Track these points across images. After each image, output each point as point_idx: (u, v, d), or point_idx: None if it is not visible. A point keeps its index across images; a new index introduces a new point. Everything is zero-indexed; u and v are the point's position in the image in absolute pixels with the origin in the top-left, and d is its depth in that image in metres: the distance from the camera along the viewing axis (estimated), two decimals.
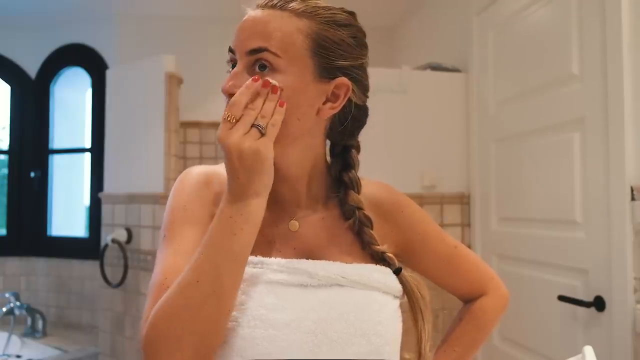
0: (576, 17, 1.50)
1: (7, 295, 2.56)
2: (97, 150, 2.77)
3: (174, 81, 2.25)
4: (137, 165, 2.33)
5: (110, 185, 2.46)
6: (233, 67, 0.70)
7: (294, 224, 0.75)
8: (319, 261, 0.71)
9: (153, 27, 2.83)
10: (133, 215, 2.30)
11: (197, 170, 0.77)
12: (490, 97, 1.98)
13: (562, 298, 1.49)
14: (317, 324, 0.66)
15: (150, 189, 2.24)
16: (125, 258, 2.24)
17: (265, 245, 0.71)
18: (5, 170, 3.04)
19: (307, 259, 0.72)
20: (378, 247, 0.76)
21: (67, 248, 2.89)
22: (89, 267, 2.75)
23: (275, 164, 0.65)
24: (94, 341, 2.50)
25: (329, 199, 0.78)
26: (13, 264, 2.93)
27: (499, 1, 1.92)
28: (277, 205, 0.74)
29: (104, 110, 2.53)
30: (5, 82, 3.01)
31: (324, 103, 0.70)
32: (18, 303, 2.55)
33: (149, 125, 2.27)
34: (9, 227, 2.98)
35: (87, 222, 3.00)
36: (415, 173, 2.10)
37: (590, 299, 1.41)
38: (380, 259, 0.76)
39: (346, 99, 0.71)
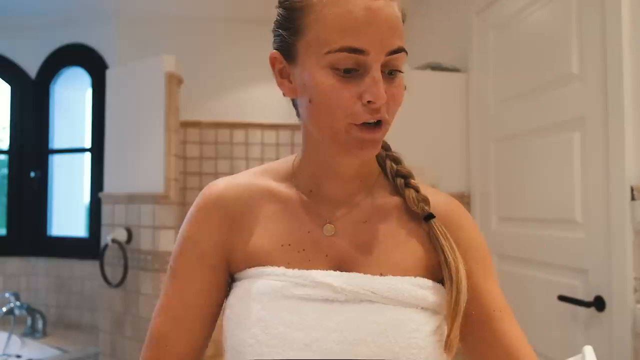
0: (576, 17, 1.50)
1: (7, 295, 2.56)
2: (97, 150, 2.77)
3: (174, 81, 2.25)
4: (137, 165, 2.33)
5: (110, 185, 2.46)
6: (348, 71, 0.59)
7: (330, 229, 0.67)
8: (347, 273, 0.64)
9: (153, 27, 2.83)
10: (133, 215, 2.30)
11: (210, 191, 0.71)
12: (490, 97, 1.98)
13: (562, 298, 1.49)
14: (340, 346, 0.59)
15: (150, 189, 2.24)
16: (125, 258, 2.24)
17: (294, 255, 0.66)
18: (5, 170, 3.04)
19: (339, 268, 0.65)
20: (424, 196, 0.68)
21: (67, 248, 2.89)
22: (89, 267, 2.75)
23: (344, 164, 0.68)
24: (94, 341, 2.50)
25: (378, 187, 0.72)
26: (13, 264, 2.93)
27: (499, 1, 1.92)
28: (315, 207, 0.69)
29: (104, 110, 2.53)
30: (5, 82, 3.01)
31: None
32: (18, 303, 2.55)
33: (149, 125, 2.27)
34: (9, 227, 2.98)
35: (87, 222, 3.00)
36: (415, 173, 2.09)
37: (590, 299, 1.41)
38: (425, 216, 0.68)
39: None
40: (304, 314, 0.61)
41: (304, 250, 0.66)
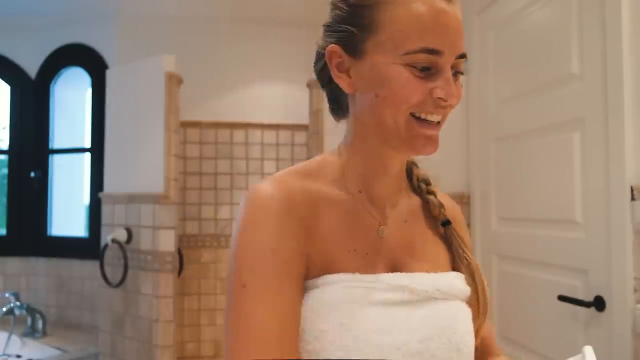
0: (576, 17, 1.50)
1: (7, 295, 2.56)
2: (97, 150, 2.77)
3: (174, 81, 2.25)
4: (137, 165, 2.33)
5: (110, 185, 2.46)
6: (425, 69, 0.62)
7: (384, 230, 0.69)
8: (413, 274, 0.67)
9: (153, 27, 2.83)
10: (133, 215, 2.30)
11: (274, 194, 0.63)
12: (490, 97, 1.98)
13: (562, 298, 1.49)
14: (422, 344, 0.63)
15: (150, 189, 2.24)
16: (125, 258, 2.24)
17: (360, 260, 0.66)
18: (5, 170, 3.04)
19: (394, 269, 0.68)
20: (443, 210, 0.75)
21: (67, 248, 2.89)
22: (89, 267, 2.75)
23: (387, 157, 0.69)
24: (94, 341, 2.50)
25: (406, 187, 0.78)
26: (13, 264, 2.93)
27: (499, 1, 1.92)
28: (367, 208, 0.70)
29: (104, 110, 2.53)
30: (5, 82, 3.01)
31: None
32: (18, 303, 2.54)
33: (149, 125, 2.27)
34: (9, 227, 2.98)
35: (87, 222, 3.00)
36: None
37: (590, 299, 1.41)
38: (444, 222, 0.76)
39: None
40: (388, 318, 0.62)
41: (367, 254, 0.67)
